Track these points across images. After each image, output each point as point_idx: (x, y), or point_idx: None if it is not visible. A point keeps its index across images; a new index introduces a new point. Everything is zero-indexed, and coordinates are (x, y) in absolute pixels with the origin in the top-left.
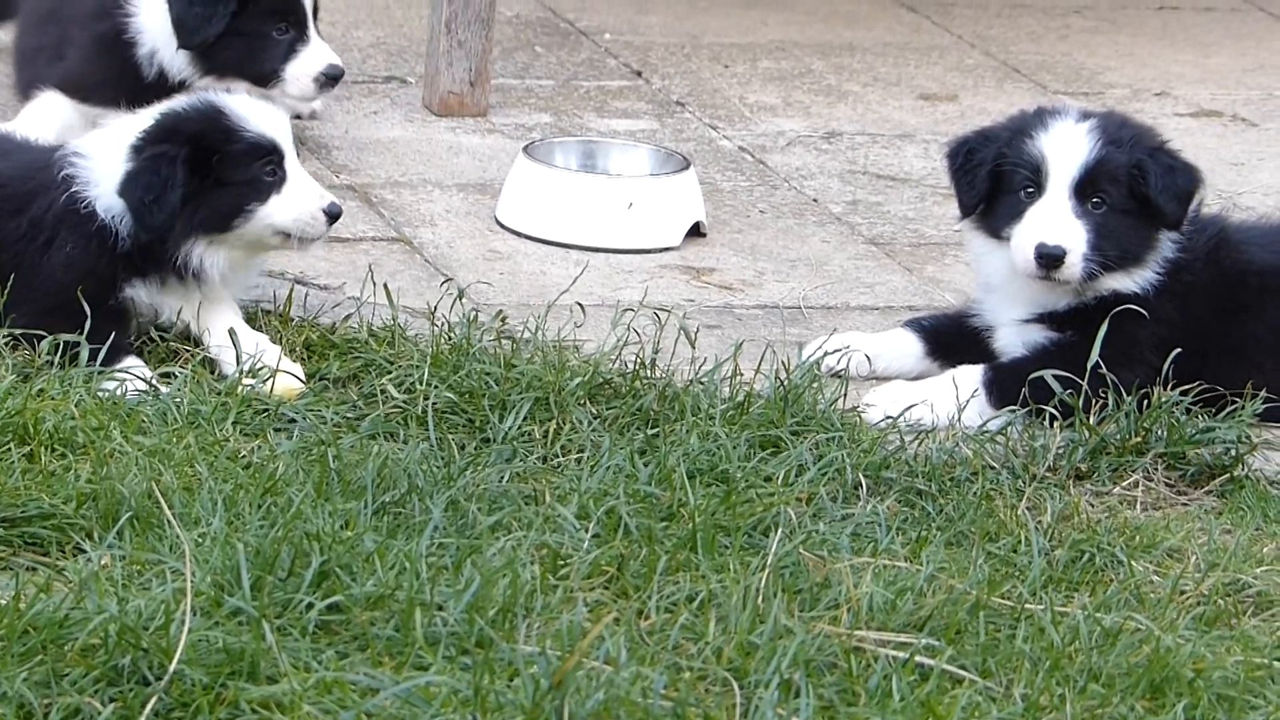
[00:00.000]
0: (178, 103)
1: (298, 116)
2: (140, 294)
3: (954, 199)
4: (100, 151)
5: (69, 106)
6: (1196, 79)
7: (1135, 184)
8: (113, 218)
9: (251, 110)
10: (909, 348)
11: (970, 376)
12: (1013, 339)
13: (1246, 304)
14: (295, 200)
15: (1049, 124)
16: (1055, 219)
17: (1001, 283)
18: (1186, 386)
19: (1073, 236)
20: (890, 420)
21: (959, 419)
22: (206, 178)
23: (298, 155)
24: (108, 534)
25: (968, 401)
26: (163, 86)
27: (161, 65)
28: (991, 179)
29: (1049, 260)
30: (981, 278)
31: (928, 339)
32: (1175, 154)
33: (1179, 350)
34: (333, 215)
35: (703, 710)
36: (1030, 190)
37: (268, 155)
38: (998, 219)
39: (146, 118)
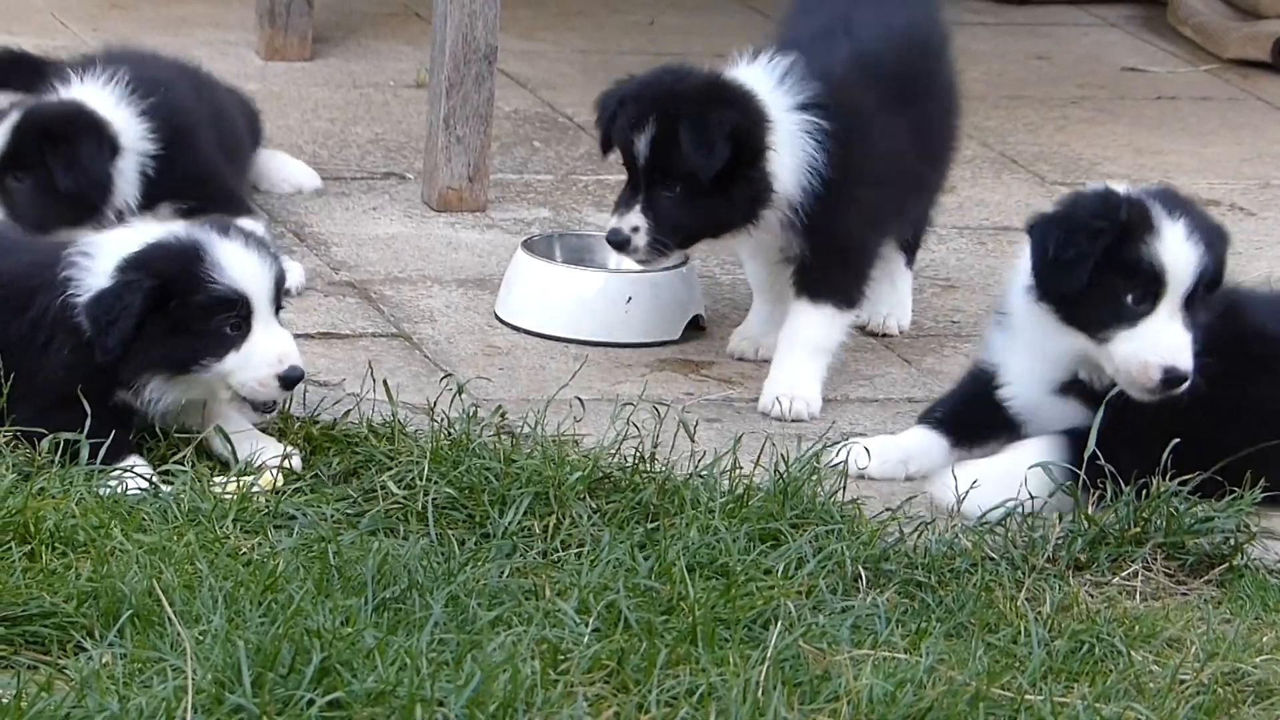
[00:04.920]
0: (168, 232)
1: (299, 191)
2: (130, 400)
3: (957, 289)
4: (100, 258)
5: None
6: (1194, 168)
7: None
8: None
9: (232, 257)
10: (934, 446)
11: (1038, 451)
12: (1042, 407)
13: (1250, 370)
14: (250, 361)
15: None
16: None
17: (1047, 352)
18: (1186, 476)
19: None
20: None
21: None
22: (165, 318)
23: (278, 302)
24: (109, 632)
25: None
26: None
27: None
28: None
29: (1175, 380)
30: (1022, 342)
31: (948, 432)
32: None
33: (1198, 418)
34: (289, 381)
35: None
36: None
37: (231, 309)
38: (1097, 318)
39: (144, 235)
